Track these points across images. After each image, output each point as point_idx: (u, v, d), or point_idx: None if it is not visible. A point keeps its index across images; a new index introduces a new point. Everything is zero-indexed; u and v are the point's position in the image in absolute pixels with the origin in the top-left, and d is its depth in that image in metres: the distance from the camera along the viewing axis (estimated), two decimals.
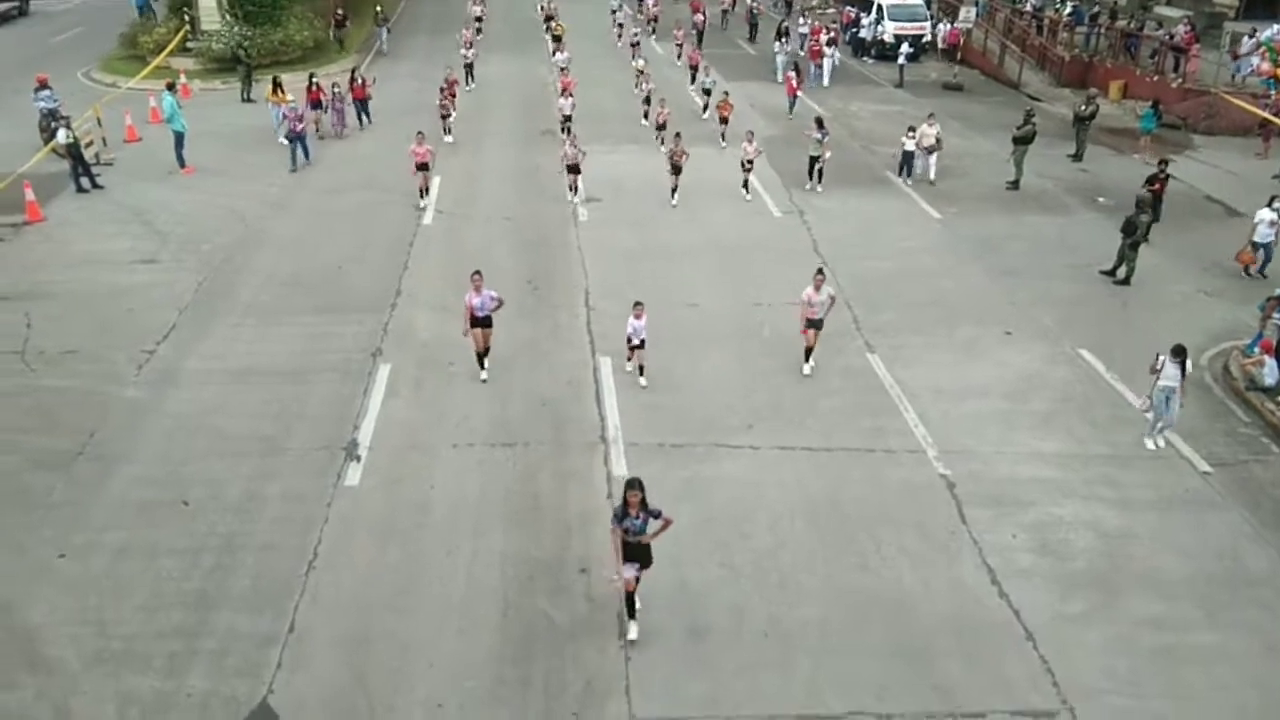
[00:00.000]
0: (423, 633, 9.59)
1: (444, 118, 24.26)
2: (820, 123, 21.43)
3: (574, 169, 20.42)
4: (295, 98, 24.03)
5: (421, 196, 20.03)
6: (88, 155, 21.33)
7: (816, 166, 21.38)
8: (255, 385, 13.67)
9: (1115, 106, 28.19)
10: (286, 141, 22.61)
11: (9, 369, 13.94)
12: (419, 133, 19.78)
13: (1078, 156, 24.11)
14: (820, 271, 13.98)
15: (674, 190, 20.43)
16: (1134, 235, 16.99)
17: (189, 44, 30.88)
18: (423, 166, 19.66)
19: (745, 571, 10.46)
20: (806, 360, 14.14)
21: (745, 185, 21.00)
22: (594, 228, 19.51)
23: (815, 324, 13.87)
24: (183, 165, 22.04)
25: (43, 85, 23.18)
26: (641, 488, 9.18)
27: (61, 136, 20.55)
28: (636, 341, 13.56)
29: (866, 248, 18.64)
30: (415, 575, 10.32)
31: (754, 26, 38.57)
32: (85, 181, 20.71)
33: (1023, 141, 21.90)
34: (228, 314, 15.67)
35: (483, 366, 13.81)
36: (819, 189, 21.36)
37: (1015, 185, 21.97)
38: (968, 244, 18.95)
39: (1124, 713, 8.91)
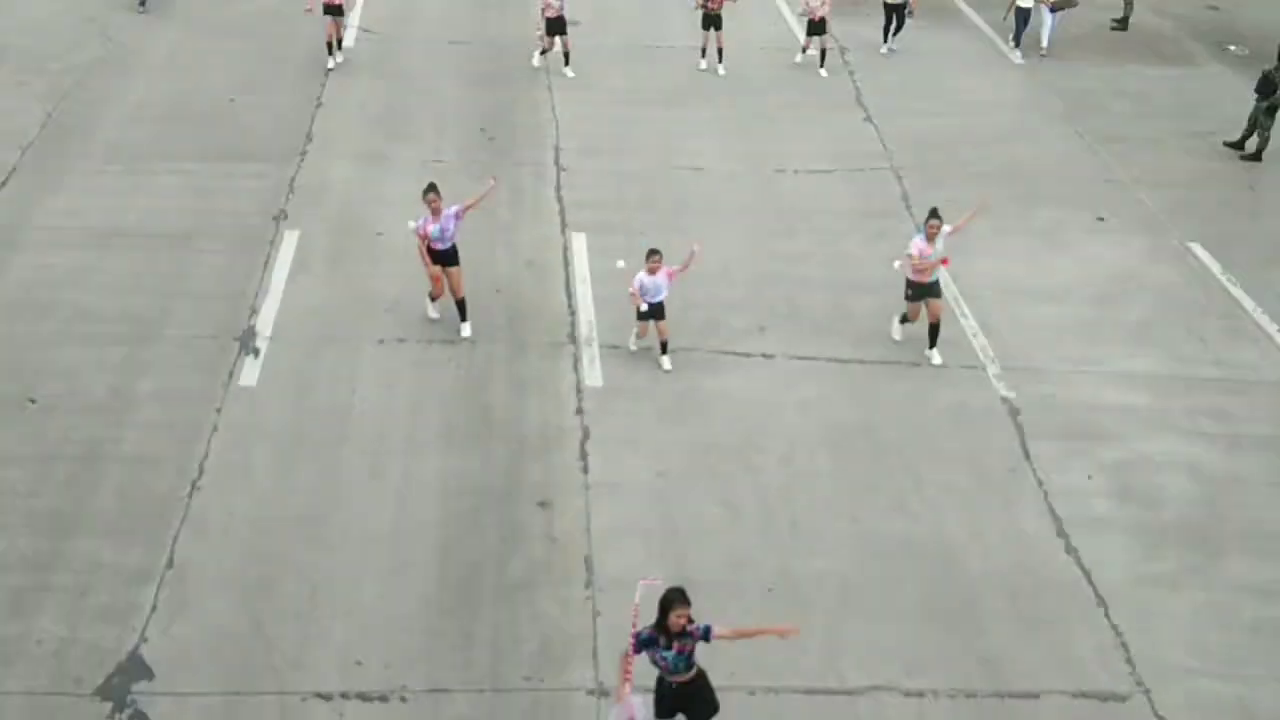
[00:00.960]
0: (339, 573, 9.75)
1: None
2: None
3: (558, 25, 18.37)
4: None
5: (331, 52, 18.36)
6: None
7: (900, 18, 19.94)
8: (123, 251, 13.59)
9: None
10: None
11: None
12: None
13: None
14: (935, 215, 12.15)
15: (706, 52, 19.05)
16: (1273, 96, 16.87)
17: None
18: (333, 9, 17.79)
19: (750, 512, 10.64)
20: (903, 323, 12.76)
21: (821, 58, 19.17)
22: (571, 58, 19.17)
23: (931, 289, 12.27)
24: None
25: None
26: (688, 601, 7.49)
27: None
28: (645, 307, 11.96)
29: (925, 100, 18.47)
30: (329, 502, 10.44)
31: None
32: None
33: None
34: (85, 157, 15.49)
35: (464, 318, 12.58)
36: (893, 47, 20.31)
37: (1123, 24, 21.66)
38: (1055, 99, 18.77)
39: (1213, 699, 9.23)
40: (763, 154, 16.59)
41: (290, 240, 13.92)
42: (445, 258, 12.32)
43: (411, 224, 12.26)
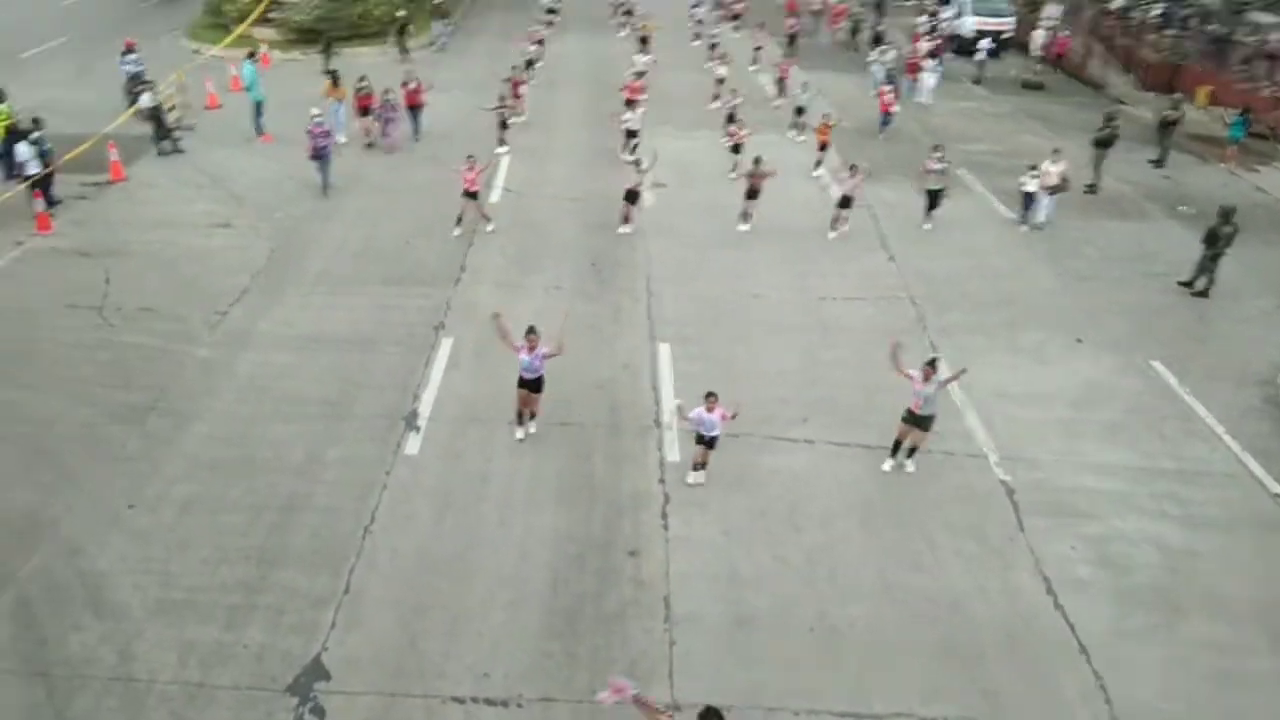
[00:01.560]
0: (474, 602, 9.75)
1: (502, 125, 22.16)
2: (937, 148, 19.25)
3: (632, 196, 18.06)
4: (321, 110, 19.97)
5: (457, 224, 17.66)
6: (170, 119, 21.90)
7: (937, 201, 18.94)
8: (322, 352, 13.96)
9: (1202, 113, 27.27)
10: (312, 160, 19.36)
11: (88, 324, 14.43)
12: (469, 157, 17.62)
13: (1160, 162, 23.41)
14: (933, 364, 11.68)
15: (746, 215, 18.53)
16: (1215, 246, 16.47)
17: (271, 14, 31.46)
18: (470, 194, 17.48)
19: (796, 565, 10.43)
20: (893, 455, 11.90)
21: (834, 225, 18.38)
22: (659, 212, 19.48)
23: (919, 421, 11.47)
24: (260, 133, 22.51)
25: (129, 49, 23.91)
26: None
27: (145, 100, 21.15)
28: (707, 438, 11.28)
29: (935, 245, 18.35)
30: (469, 545, 10.48)
31: (855, 31, 35.16)
32: (166, 145, 21.30)
33: (1103, 145, 21.33)
34: (298, 281, 16.00)
35: (520, 423, 12.14)
36: (927, 226, 19.14)
37: (1093, 189, 21.42)
38: (1041, 247, 18.55)
39: None
40: (808, 284, 16.59)
41: (446, 345, 14.19)
42: (530, 385, 11.84)
43: (517, 349, 11.63)
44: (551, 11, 34.74)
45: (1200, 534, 11.16)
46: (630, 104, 23.47)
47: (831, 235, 18.37)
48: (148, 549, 10.26)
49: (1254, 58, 27.62)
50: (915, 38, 31.02)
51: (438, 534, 10.64)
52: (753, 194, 18.37)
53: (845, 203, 18.37)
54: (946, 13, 34.88)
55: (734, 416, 11.11)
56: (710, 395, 11.09)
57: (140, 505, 10.87)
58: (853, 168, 18.52)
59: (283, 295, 15.50)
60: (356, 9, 31.27)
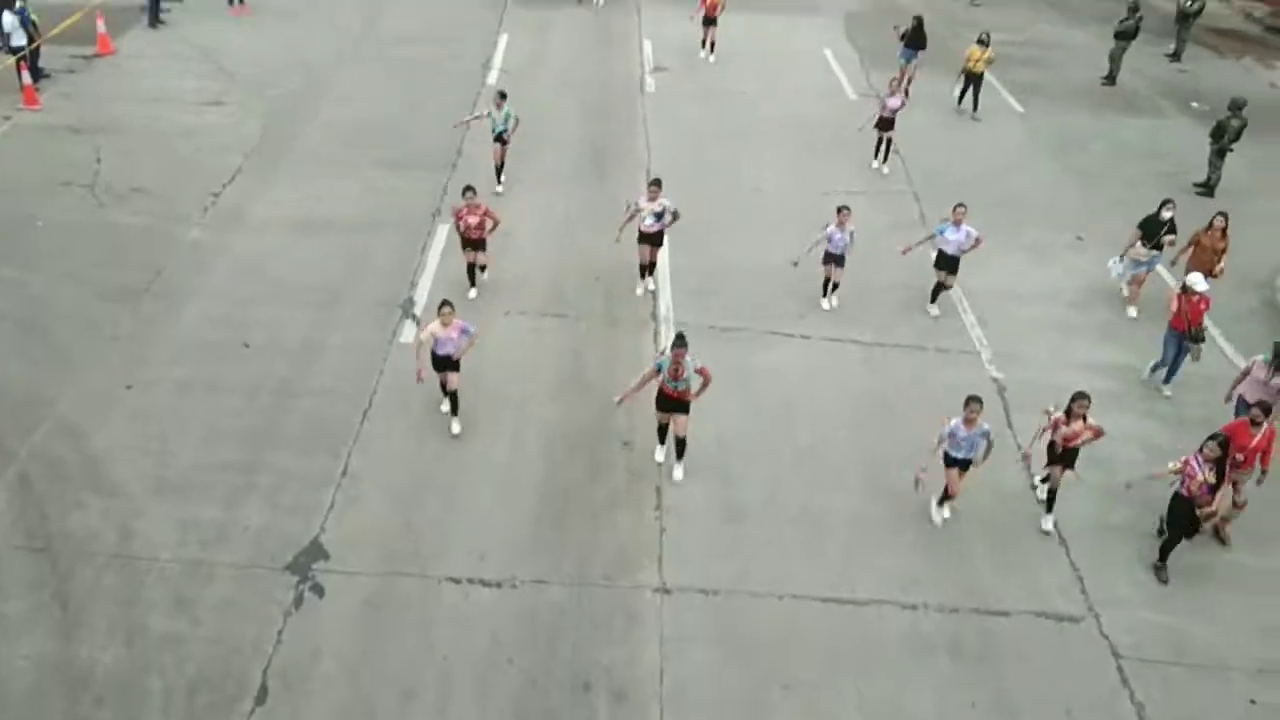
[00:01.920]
0: (468, 488, 9.88)
1: None
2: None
3: (653, 240, 12.81)
4: None
5: (474, 282, 12.79)
6: None
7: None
8: (317, 236, 13.79)
9: (1223, 4, 26.25)
10: None
11: (80, 203, 14.20)
12: (467, 189, 12.27)
13: (1177, 56, 22.65)
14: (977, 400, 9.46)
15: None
16: (1221, 140, 16.09)
17: None
18: (474, 244, 12.42)
19: (786, 459, 10.53)
20: (941, 505, 9.92)
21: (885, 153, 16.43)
22: (660, 98, 18.96)
23: (961, 464, 9.61)
24: (229, 3, 21.68)
25: None
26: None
27: None
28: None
29: (940, 137, 17.91)
30: (463, 434, 10.54)
31: None
32: (161, 15, 20.56)
33: (1124, 36, 20.59)
34: (292, 162, 15.70)
35: (455, 412, 10.47)
36: (976, 117, 18.56)
37: (1111, 80, 20.79)
38: (1048, 141, 18.12)
39: (1150, 625, 8.96)
40: (811, 178, 16.24)
41: (441, 232, 14.00)
42: (445, 363, 10.22)
43: (426, 329, 10.25)
44: None
45: (1186, 433, 11.19)
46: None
47: (878, 165, 16.56)
48: (145, 428, 10.33)
49: None
50: None
51: (433, 422, 10.69)
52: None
53: (886, 124, 16.27)
54: None
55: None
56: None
57: (136, 386, 10.89)
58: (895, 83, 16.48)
59: (276, 176, 15.24)
60: None
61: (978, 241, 12.47)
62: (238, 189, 14.80)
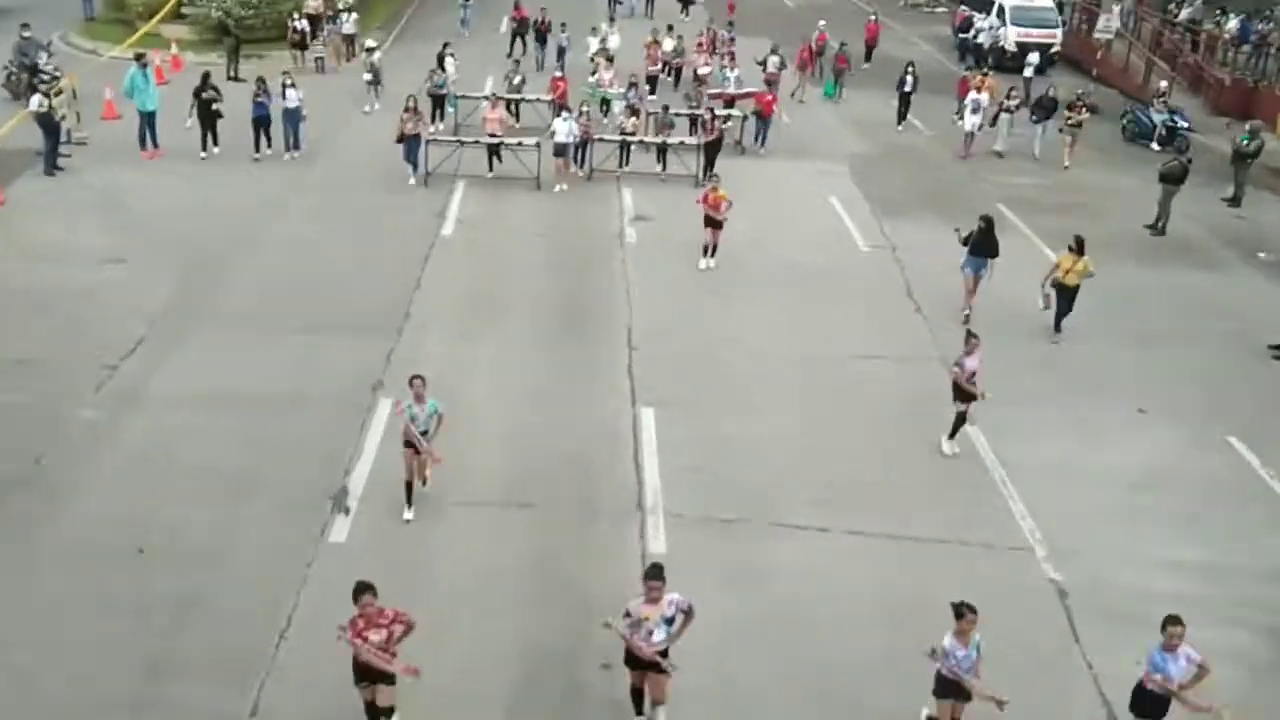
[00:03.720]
0: None
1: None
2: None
3: (714, 222, 18.63)
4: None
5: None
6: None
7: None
8: (232, 414, 13.86)
9: None
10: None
11: None
12: (362, 591, 8.90)
13: (1235, 200, 23.86)
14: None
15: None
16: None
17: (184, 9, 31.83)
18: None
19: (807, 683, 10.30)
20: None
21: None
22: (643, 250, 19.64)
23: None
24: (143, 147, 22.59)
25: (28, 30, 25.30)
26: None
27: (34, 104, 21.20)
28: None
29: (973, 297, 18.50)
30: (407, 658, 10.26)
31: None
32: (55, 160, 21.35)
33: (1171, 179, 21.72)
34: (205, 327, 15.97)
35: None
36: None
37: (1159, 230, 21.77)
38: (1096, 298, 18.73)
39: None
40: (817, 339, 16.67)
41: (385, 408, 14.10)
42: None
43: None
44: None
45: None
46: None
47: (951, 449, 14.07)
48: (9, 657, 10.01)
49: None
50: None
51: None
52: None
53: (965, 396, 13.76)
54: (983, 21, 35.70)
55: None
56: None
57: (3, 603, 10.63)
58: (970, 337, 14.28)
59: (186, 345, 15.45)
60: (287, 6, 31.62)
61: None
62: (140, 360, 14.96)
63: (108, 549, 11.39)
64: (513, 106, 25.25)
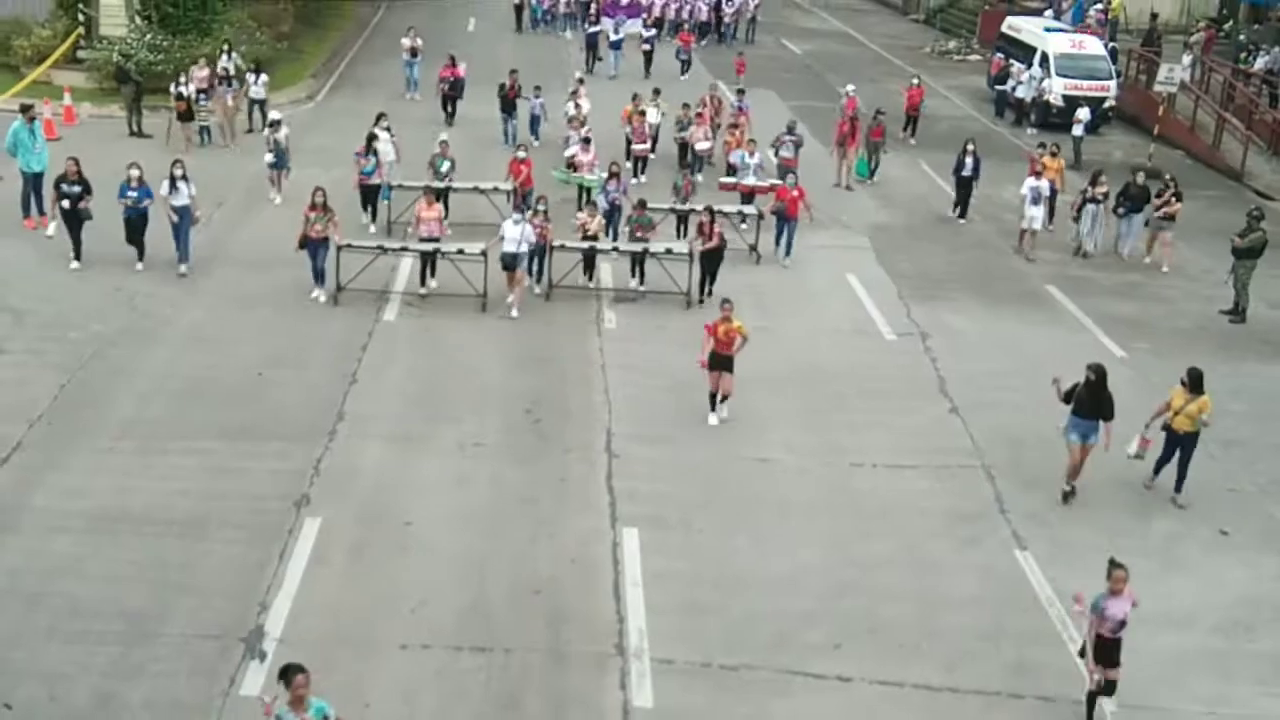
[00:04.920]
0: None
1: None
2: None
3: (723, 362, 16.63)
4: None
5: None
6: None
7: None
8: (126, 538, 13.75)
9: None
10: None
11: None
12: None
13: None
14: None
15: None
16: None
17: (80, 53, 32.33)
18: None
19: None
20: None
21: None
22: (623, 339, 19.75)
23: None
24: (26, 214, 22.63)
25: None
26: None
27: None
28: None
29: (1017, 392, 18.62)
30: None
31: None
32: None
33: (1248, 255, 22.08)
34: (96, 432, 15.91)
35: None
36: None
37: (1238, 314, 22.05)
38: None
39: None
40: (836, 445, 16.69)
41: (310, 529, 14.03)
42: None
43: None
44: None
45: None
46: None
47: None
48: None
49: None
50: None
51: None
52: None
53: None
54: (1024, 72, 36.43)
55: None
56: None
57: None
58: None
59: (72, 453, 15.38)
60: (203, 48, 32.07)
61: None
62: (14, 472, 14.88)
63: None
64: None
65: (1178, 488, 15.58)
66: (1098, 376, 15.32)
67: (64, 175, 20.87)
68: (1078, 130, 32.04)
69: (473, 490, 15.24)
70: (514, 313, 20.32)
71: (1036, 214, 24.18)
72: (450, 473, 15.58)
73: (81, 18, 32.78)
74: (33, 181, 22.83)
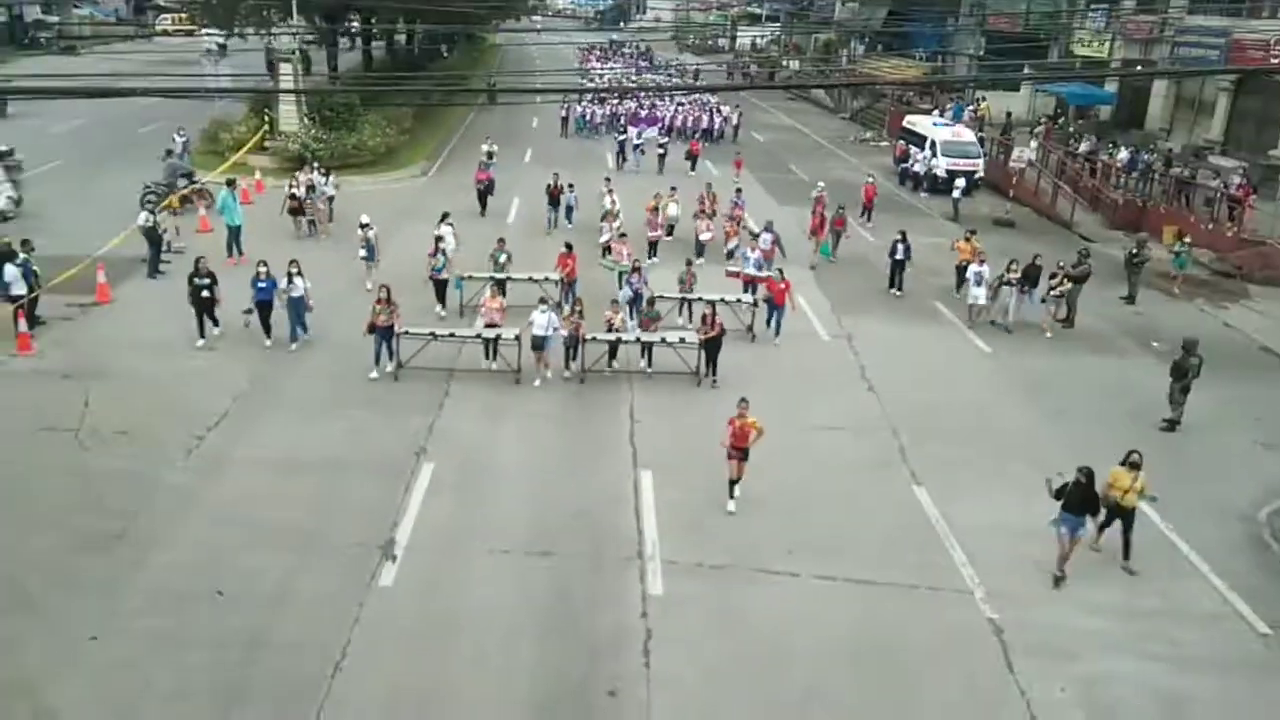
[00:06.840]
0: None
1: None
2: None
3: (740, 451, 13.57)
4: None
5: None
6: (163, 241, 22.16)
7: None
8: (299, 478, 13.81)
9: (1169, 251, 28.16)
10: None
11: (64, 446, 14.23)
12: None
13: (1130, 299, 24.04)
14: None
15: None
16: (1184, 379, 16.77)
17: (267, 143, 32.44)
18: None
19: (787, 713, 10.09)
20: None
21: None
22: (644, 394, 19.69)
23: None
24: (230, 254, 22.66)
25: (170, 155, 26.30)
26: None
27: (141, 219, 21.50)
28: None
29: (912, 376, 18.55)
30: (443, 684, 10.11)
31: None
32: (161, 267, 21.55)
33: (1079, 280, 21.90)
34: (276, 406, 15.94)
35: None
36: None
37: (1069, 322, 21.89)
38: (1018, 381, 18.79)
39: None
40: (792, 416, 16.61)
41: (426, 471, 14.02)
42: None
43: None
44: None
45: (1191, 676, 10.94)
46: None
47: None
48: (107, 685, 9.83)
49: (1216, 200, 28.81)
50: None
51: (411, 671, 10.27)
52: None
53: None
54: (919, 153, 36.34)
55: None
56: None
57: (102, 637, 10.47)
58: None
59: (263, 419, 15.40)
60: (351, 139, 32.24)
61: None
62: (223, 432, 14.93)
63: (191, 593, 11.26)
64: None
65: (1126, 555, 13.01)
66: (1087, 480, 12.43)
67: (196, 270, 18.02)
68: (956, 194, 31.92)
69: (536, 446, 15.27)
70: (536, 382, 17.25)
71: (979, 294, 21.43)
72: (522, 435, 15.60)
73: (267, 118, 32.85)
74: (233, 233, 22.93)
